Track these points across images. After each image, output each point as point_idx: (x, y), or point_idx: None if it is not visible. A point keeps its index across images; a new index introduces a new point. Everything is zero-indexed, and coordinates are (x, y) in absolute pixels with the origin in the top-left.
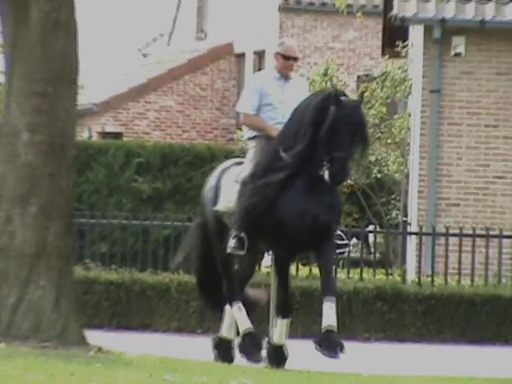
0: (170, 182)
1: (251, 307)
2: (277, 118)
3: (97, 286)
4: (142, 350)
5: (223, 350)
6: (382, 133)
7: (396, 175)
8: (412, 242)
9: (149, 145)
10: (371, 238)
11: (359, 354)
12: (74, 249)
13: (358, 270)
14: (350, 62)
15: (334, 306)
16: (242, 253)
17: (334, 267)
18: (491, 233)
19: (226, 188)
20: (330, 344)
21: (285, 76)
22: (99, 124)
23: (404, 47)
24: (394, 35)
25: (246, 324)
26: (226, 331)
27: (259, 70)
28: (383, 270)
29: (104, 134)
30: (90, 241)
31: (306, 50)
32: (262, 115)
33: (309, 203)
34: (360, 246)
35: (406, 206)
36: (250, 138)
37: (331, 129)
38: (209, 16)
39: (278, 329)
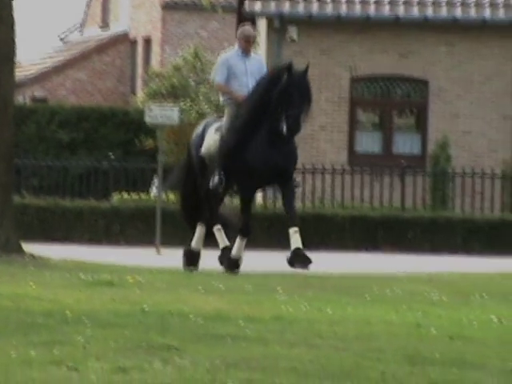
0: (83, 133)
1: (225, 226)
2: (241, 85)
3: (30, 210)
4: (63, 256)
5: (191, 258)
6: None
7: None
8: None
9: (67, 106)
10: None
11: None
12: (13, 182)
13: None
14: (213, 46)
15: (298, 230)
16: (220, 190)
17: (294, 202)
18: (317, 168)
19: (209, 137)
20: (300, 260)
21: (246, 53)
22: (31, 92)
23: None
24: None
25: (224, 242)
26: (195, 243)
27: (147, 52)
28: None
29: (34, 99)
30: (24, 177)
31: (181, 37)
32: (231, 82)
33: (271, 150)
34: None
35: None
36: (224, 103)
37: (285, 92)
38: (111, 10)
39: (237, 245)
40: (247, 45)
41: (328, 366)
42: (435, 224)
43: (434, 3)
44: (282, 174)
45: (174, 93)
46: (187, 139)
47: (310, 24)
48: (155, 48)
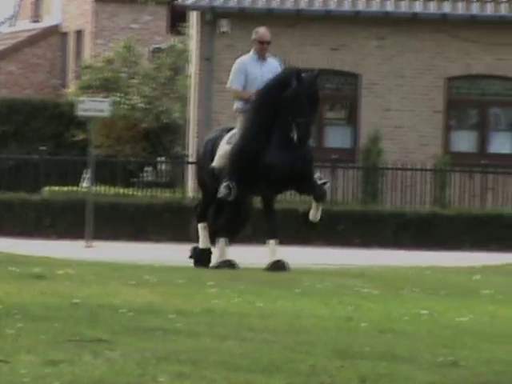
0: (14, 126)
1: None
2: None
3: None
4: None
5: (203, 258)
6: (169, 90)
7: (179, 121)
8: (190, 169)
9: None
10: (162, 166)
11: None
12: None
13: (152, 190)
14: (145, 38)
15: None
16: (230, 198)
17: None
18: None
19: (220, 149)
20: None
21: (262, 57)
22: None
23: (185, 27)
24: (177, 18)
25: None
26: (203, 243)
27: (79, 45)
28: (170, 190)
29: None
30: None
31: (113, 30)
32: (247, 88)
33: (286, 154)
34: (153, 172)
35: (186, 143)
36: (238, 110)
37: (295, 99)
38: (43, 3)
39: (270, 248)
40: (262, 48)
41: (258, 359)
42: (366, 218)
43: None
44: (300, 178)
45: (105, 86)
46: (118, 132)
47: (241, 17)
48: (87, 41)
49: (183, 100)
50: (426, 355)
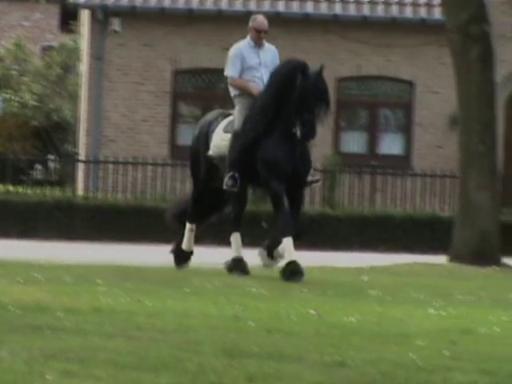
0: None
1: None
2: (255, 76)
3: None
4: None
5: (184, 259)
6: (60, 88)
7: (70, 119)
8: (81, 168)
9: None
10: (52, 164)
11: (39, 248)
12: None
13: (42, 188)
14: (36, 36)
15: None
16: (235, 189)
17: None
18: (139, 161)
19: (217, 137)
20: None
21: (258, 44)
22: None
23: (76, 25)
24: (69, 16)
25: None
26: (186, 245)
27: None
28: (60, 188)
29: None
30: None
31: (4, 27)
32: (245, 76)
33: (287, 153)
34: (43, 170)
35: (76, 142)
36: (235, 96)
37: (300, 95)
38: None
39: (286, 248)
40: (259, 36)
41: (146, 357)
42: (255, 218)
43: None
44: (294, 180)
45: None
46: (8, 130)
47: (133, 16)
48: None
49: (74, 98)
50: (313, 355)
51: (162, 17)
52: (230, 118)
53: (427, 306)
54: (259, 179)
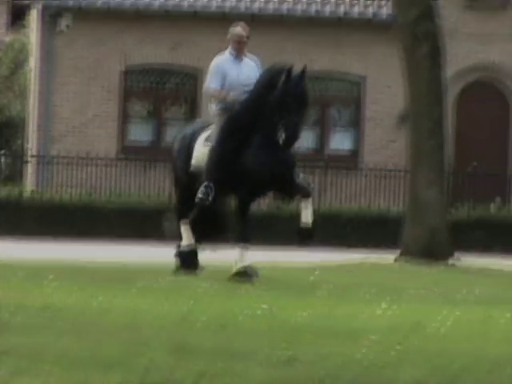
0: None
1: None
2: (235, 91)
3: None
4: None
5: (190, 259)
6: (9, 85)
7: (20, 115)
8: (31, 164)
9: None
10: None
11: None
12: None
13: None
14: None
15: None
16: (207, 203)
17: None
18: (90, 156)
19: (198, 150)
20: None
21: (239, 55)
22: None
23: (26, 22)
24: (18, 14)
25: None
26: (185, 240)
27: None
28: (11, 184)
29: None
30: None
31: None
32: (225, 89)
33: (267, 157)
34: None
35: (26, 138)
36: (215, 115)
37: (282, 99)
38: None
39: (238, 253)
40: (239, 46)
41: (95, 355)
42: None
43: None
44: (281, 180)
45: None
46: None
47: (82, 14)
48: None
49: (24, 95)
50: (264, 351)
51: (110, 15)
52: (212, 130)
53: (378, 302)
54: (233, 191)
